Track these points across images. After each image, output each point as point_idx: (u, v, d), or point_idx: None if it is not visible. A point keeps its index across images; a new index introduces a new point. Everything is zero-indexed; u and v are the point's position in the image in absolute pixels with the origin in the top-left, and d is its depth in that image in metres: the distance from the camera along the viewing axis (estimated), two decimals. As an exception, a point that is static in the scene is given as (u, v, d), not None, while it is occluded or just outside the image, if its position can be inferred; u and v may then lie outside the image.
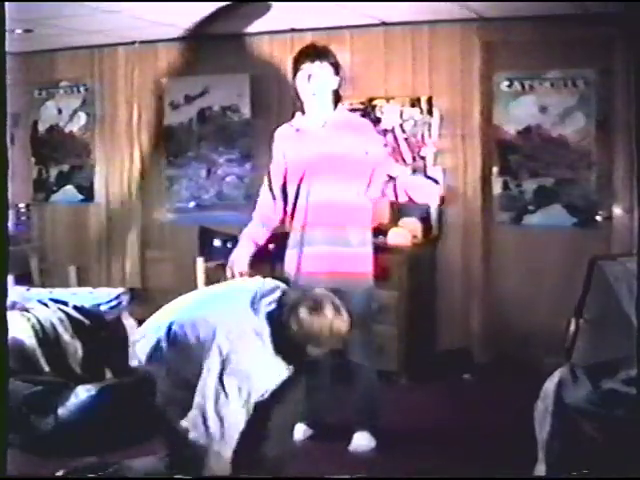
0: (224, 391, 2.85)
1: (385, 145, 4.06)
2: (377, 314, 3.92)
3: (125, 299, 5.06)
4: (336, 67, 3.77)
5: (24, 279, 5.89)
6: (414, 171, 5.41)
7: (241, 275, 3.82)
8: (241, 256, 3.88)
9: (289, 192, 3.80)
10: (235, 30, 5.68)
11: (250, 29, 5.67)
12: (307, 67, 3.71)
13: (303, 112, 3.81)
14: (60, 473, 3.43)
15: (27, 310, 4.58)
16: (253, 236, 3.93)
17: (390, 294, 4.68)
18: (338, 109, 3.82)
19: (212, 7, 5.03)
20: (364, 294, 3.75)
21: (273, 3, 4.92)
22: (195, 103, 6.11)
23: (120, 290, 5.15)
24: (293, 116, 3.91)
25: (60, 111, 6.63)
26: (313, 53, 3.76)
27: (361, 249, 3.74)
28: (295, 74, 3.76)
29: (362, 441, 3.80)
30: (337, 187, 3.68)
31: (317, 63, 3.70)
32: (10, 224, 5.93)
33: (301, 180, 3.73)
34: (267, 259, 5.10)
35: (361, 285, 3.74)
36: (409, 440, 3.91)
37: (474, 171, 5.35)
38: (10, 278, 5.07)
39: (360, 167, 3.71)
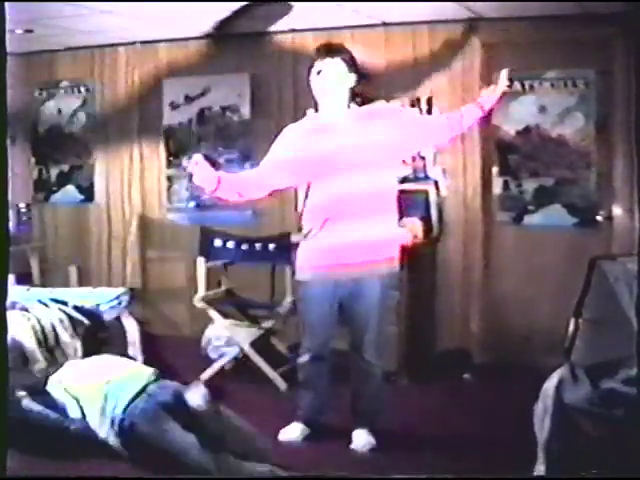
0: None
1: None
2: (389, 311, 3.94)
3: (125, 299, 5.08)
4: (351, 64, 3.75)
5: (24, 279, 5.89)
6: (414, 171, 5.43)
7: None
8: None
9: (314, 188, 3.73)
10: (236, 30, 5.68)
11: (250, 29, 5.67)
12: (318, 64, 3.71)
13: (316, 110, 3.82)
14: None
15: (27, 310, 4.60)
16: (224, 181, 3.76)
17: (392, 293, 4.66)
18: (352, 108, 3.78)
19: (212, 7, 5.02)
20: (386, 281, 3.77)
21: (276, 4, 4.92)
22: (195, 103, 6.11)
23: (120, 290, 5.18)
24: (304, 114, 3.90)
25: (60, 111, 6.63)
26: (324, 50, 3.77)
27: (389, 235, 3.76)
28: (309, 73, 3.76)
29: (362, 440, 3.80)
30: (359, 177, 3.64)
31: (327, 59, 3.70)
32: (11, 224, 5.93)
33: (326, 175, 3.67)
34: (268, 260, 5.12)
35: (387, 270, 3.76)
36: (409, 440, 3.91)
37: (474, 171, 5.35)
38: (11, 278, 5.09)
39: (382, 152, 3.68)
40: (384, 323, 3.85)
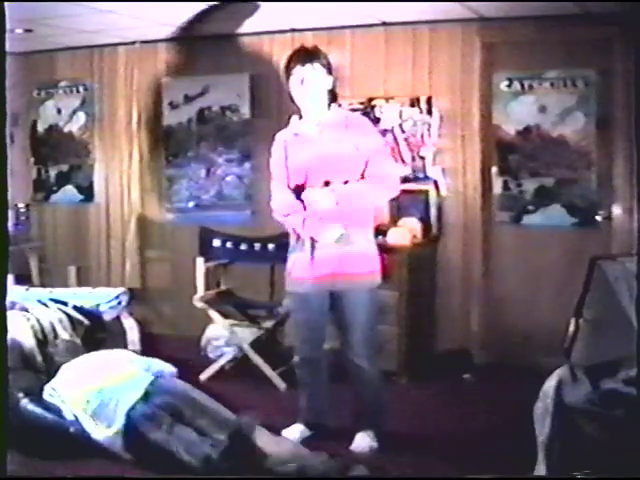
0: None
1: (380, 139, 3.98)
2: (377, 314, 3.91)
3: (125, 299, 5.09)
4: (328, 67, 3.72)
5: (24, 279, 5.89)
6: (414, 171, 5.43)
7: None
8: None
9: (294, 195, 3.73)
10: (235, 30, 5.68)
11: (250, 29, 5.67)
12: (298, 71, 3.66)
13: (300, 116, 3.77)
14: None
15: (26, 310, 4.60)
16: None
17: (390, 294, 4.67)
18: (332, 109, 3.78)
19: (212, 7, 5.02)
20: (370, 294, 3.74)
21: (272, 3, 4.91)
22: (195, 103, 6.11)
23: (120, 290, 5.18)
24: (289, 119, 3.87)
25: (59, 111, 6.63)
26: (303, 56, 3.71)
27: (367, 248, 3.72)
28: (288, 78, 3.72)
29: (364, 441, 3.79)
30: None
31: (308, 66, 3.66)
32: (10, 224, 5.92)
33: (304, 184, 3.68)
34: (267, 260, 5.12)
35: (368, 284, 3.73)
36: (409, 440, 3.90)
37: (474, 171, 5.34)
38: (10, 278, 5.09)
39: (356, 164, 3.67)
40: (372, 326, 3.80)
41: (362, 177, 3.68)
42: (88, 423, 3.64)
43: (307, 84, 3.66)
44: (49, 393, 3.80)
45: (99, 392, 3.70)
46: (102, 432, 3.59)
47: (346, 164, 3.66)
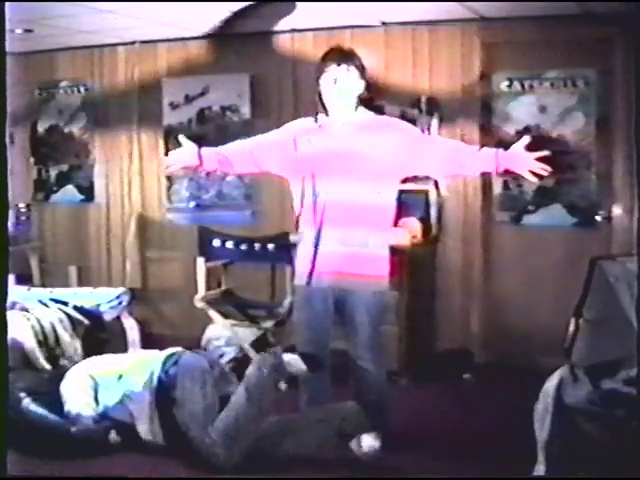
0: None
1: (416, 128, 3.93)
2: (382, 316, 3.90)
3: (125, 299, 5.09)
4: (362, 71, 3.67)
5: (25, 279, 5.89)
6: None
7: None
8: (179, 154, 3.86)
9: (306, 188, 3.67)
10: (236, 30, 5.68)
11: (250, 29, 5.67)
12: (333, 70, 3.61)
13: (327, 114, 3.70)
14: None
15: (27, 310, 4.61)
16: (206, 154, 3.80)
17: (390, 294, 4.64)
18: (359, 110, 3.71)
19: (212, 7, 5.02)
20: (375, 296, 3.70)
21: (278, 4, 4.92)
22: (195, 103, 6.11)
23: (120, 290, 5.19)
24: (304, 114, 3.84)
25: (60, 111, 6.63)
26: (339, 56, 3.66)
27: (378, 251, 3.67)
28: (320, 76, 3.65)
29: (366, 442, 3.77)
30: (356, 186, 3.59)
31: (343, 66, 3.61)
32: (10, 224, 5.93)
33: (319, 177, 3.63)
34: (267, 260, 5.13)
35: (375, 287, 3.68)
36: (409, 440, 3.90)
37: (474, 171, 5.34)
38: (11, 278, 5.09)
39: (382, 165, 3.62)
40: (376, 328, 3.75)
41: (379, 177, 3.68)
42: (118, 386, 3.72)
43: (340, 84, 3.61)
44: (75, 376, 3.82)
45: (133, 364, 3.84)
46: (134, 386, 3.67)
47: (370, 165, 3.60)
